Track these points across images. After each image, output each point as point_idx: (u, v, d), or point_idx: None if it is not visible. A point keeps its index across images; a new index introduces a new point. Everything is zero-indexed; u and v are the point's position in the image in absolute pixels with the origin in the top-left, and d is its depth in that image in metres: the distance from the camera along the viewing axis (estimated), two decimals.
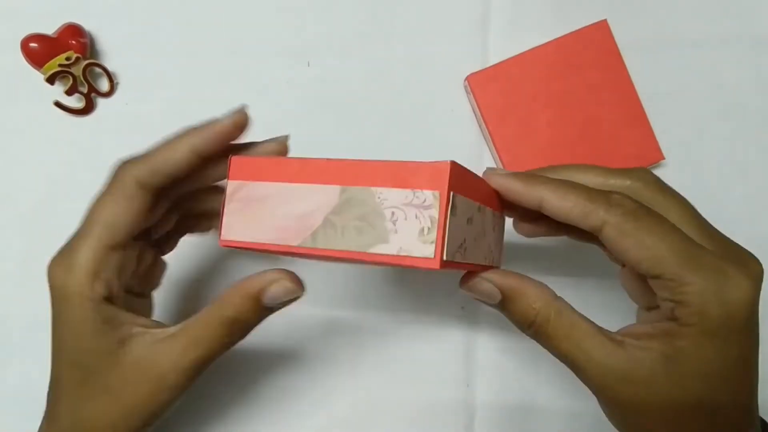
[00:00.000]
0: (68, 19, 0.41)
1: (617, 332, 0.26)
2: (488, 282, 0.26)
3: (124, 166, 0.28)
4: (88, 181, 0.41)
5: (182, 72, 0.42)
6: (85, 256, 0.27)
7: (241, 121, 0.30)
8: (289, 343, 0.41)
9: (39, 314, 0.41)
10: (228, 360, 0.40)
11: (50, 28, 0.40)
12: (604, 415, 0.27)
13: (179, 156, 0.28)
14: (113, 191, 0.28)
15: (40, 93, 0.41)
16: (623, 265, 0.29)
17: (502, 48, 0.42)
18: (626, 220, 0.24)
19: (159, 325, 0.29)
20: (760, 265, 0.25)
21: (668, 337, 0.24)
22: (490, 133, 0.40)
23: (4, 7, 0.42)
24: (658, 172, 0.41)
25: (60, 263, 0.28)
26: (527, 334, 0.27)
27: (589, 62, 0.41)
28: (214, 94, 0.42)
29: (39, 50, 0.39)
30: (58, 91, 0.41)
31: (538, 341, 0.27)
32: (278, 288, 0.27)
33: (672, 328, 0.24)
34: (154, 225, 0.31)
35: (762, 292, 0.24)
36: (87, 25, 0.41)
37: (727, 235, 0.41)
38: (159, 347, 0.28)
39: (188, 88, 0.42)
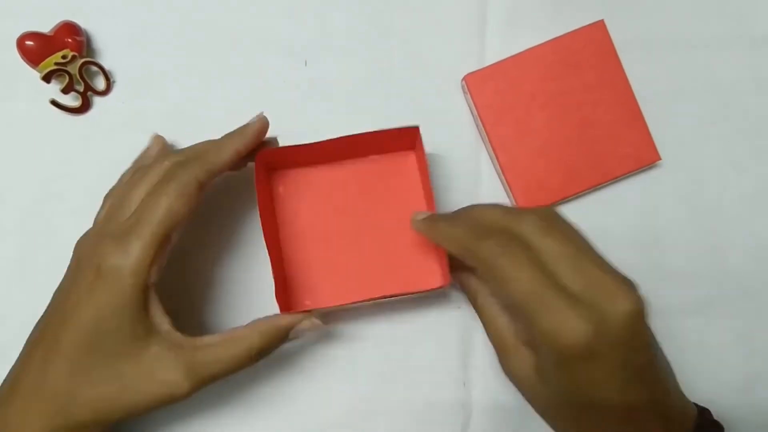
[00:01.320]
0: (64, 17, 0.40)
1: None
2: None
3: (185, 168, 0.32)
4: (85, 179, 0.41)
5: (179, 71, 0.42)
6: (145, 243, 0.30)
7: (266, 125, 0.35)
8: (285, 343, 0.41)
9: (36, 315, 0.41)
10: None
11: (46, 26, 0.40)
12: None
13: (227, 157, 0.33)
14: (174, 189, 0.31)
15: (36, 91, 0.41)
16: None
17: (499, 48, 0.42)
18: (497, 257, 0.28)
19: (177, 327, 0.32)
20: (629, 300, 0.26)
21: (533, 354, 0.30)
22: (487, 132, 0.40)
23: (0, 5, 0.42)
24: (655, 172, 0.42)
25: (116, 245, 0.30)
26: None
27: (586, 62, 0.41)
28: (210, 92, 0.42)
29: (35, 48, 0.39)
30: (54, 89, 0.40)
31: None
32: (307, 323, 0.34)
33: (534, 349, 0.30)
34: None
35: None
36: (83, 24, 0.41)
37: (725, 233, 0.41)
38: (179, 355, 0.30)
39: (185, 87, 0.42)
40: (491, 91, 0.40)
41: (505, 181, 0.40)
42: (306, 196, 0.40)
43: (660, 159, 0.41)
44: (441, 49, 0.42)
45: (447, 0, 0.43)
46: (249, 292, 0.40)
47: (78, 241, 0.34)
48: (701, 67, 0.42)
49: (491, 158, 0.41)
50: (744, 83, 0.42)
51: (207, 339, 0.32)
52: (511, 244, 0.28)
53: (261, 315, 0.38)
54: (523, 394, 0.32)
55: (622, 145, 0.40)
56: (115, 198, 0.34)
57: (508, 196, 0.41)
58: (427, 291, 0.36)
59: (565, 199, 0.41)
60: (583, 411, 0.28)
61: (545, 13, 0.42)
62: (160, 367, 0.30)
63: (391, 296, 0.35)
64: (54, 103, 0.41)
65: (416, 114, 0.42)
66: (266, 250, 0.35)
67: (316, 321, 0.33)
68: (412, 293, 0.36)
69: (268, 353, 0.33)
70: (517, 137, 0.40)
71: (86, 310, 0.30)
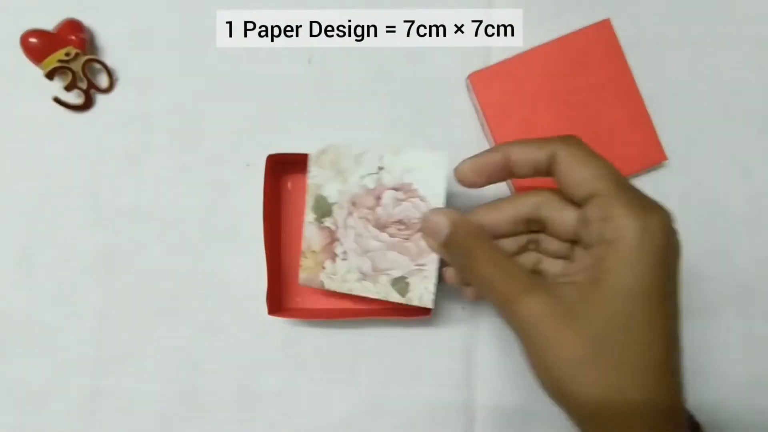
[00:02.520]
0: (68, 14, 0.40)
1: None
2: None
3: None
4: (87, 176, 0.41)
5: (181, 68, 0.42)
6: None
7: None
8: (288, 343, 0.41)
9: (37, 311, 0.41)
10: (227, 360, 0.40)
11: (50, 24, 0.40)
12: None
13: None
14: None
15: (39, 89, 0.41)
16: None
17: (504, 46, 0.41)
18: (577, 149, 0.28)
19: None
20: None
21: (597, 261, 0.26)
22: (491, 131, 0.40)
23: (4, 2, 0.42)
24: (661, 173, 0.41)
25: None
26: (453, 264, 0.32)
27: (591, 61, 0.40)
28: (212, 90, 0.42)
29: (38, 46, 0.39)
30: (57, 86, 0.40)
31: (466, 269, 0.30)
32: None
33: (600, 252, 0.26)
34: None
35: None
36: (87, 21, 0.41)
37: (731, 234, 0.41)
38: None
39: (187, 84, 0.42)
40: (496, 90, 0.40)
41: (509, 181, 0.40)
42: None
43: (666, 159, 0.41)
44: (445, 49, 0.42)
45: None
46: (246, 286, 0.40)
47: None
48: (708, 67, 0.42)
49: None
50: (751, 83, 0.42)
51: None
52: (580, 140, 0.29)
53: (256, 310, 0.38)
54: (543, 338, 0.26)
55: (628, 145, 0.40)
56: None
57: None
58: (412, 318, 0.38)
59: None
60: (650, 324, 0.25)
61: (551, 11, 0.42)
62: None
63: (376, 316, 0.38)
64: (57, 100, 0.40)
65: (420, 112, 0.42)
66: (264, 248, 0.37)
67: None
68: (396, 317, 0.38)
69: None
70: (521, 136, 0.39)
71: None
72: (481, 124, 0.41)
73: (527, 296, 0.26)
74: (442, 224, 0.30)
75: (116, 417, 0.40)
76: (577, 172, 0.27)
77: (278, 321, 0.40)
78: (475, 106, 0.41)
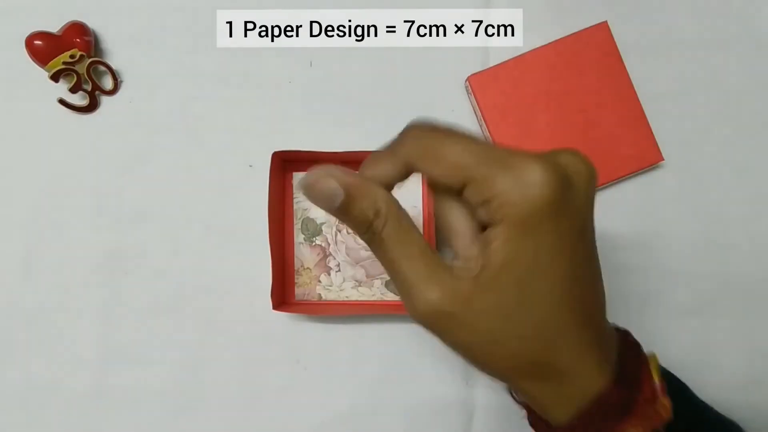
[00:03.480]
0: (73, 17, 0.41)
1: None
2: (332, 180, 0.24)
3: None
4: (92, 177, 0.42)
5: (185, 70, 0.42)
6: None
7: None
8: (290, 341, 0.41)
9: (42, 310, 0.41)
10: (229, 357, 0.41)
11: (55, 26, 0.40)
12: None
13: None
14: None
15: (44, 90, 0.41)
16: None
17: (502, 48, 0.42)
18: (426, 140, 0.25)
19: None
20: (575, 156, 0.25)
21: (484, 245, 0.24)
22: (490, 133, 0.40)
23: (9, 4, 0.42)
24: (658, 174, 0.42)
25: None
26: (363, 240, 0.25)
27: (589, 63, 0.41)
28: (216, 92, 0.42)
29: (43, 48, 0.40)
30: (62, 88, 0.41)
31: (371, 247, 0.25)
32: None
33: (487, 235, 0.23)
34: None
35: None
36: (91, 24, 0.41)
37: (727, 234, 0.42)
38: None
39: (190, 85, 0.42)
40: (495, 91, 0.40)
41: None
42: None
43: (663, 160, 0.41)
44: (445, 49, 0.42)
45: (451, 0, 0.43)
46: (248, 286, 0.41)
47: None
48: (704, 68, 0.42)
49: None
50: (747, 84, 0.42)
51: None
52: (423, 126, 0.25)
53: (258, 308, 0.40)
54: (447, 328, 0.25)
55: (625, 146, 0.40)
56: None
57: None
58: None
59: None
60: (526, 298, 0.24)
61: (549, 13, 0.42)
62: None
63: (379, 311, 0.39)
64: (62, 102, 0.41)
65: (420, 114, 0.42)
66: (269, 244, 0.37)
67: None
68: (401, 313, 0.38)
69: None
70: (520, 138, 0.40)
71: None
72: (481, 126, 0.42)
73: (426, 286, 0.24)
74: (334, 191, 0.24)
75: (120, 414, 0.41)
76: (439, 170, 0.24)
77: (280, 319, 0.41)
78: (474, 107, 0.42)
